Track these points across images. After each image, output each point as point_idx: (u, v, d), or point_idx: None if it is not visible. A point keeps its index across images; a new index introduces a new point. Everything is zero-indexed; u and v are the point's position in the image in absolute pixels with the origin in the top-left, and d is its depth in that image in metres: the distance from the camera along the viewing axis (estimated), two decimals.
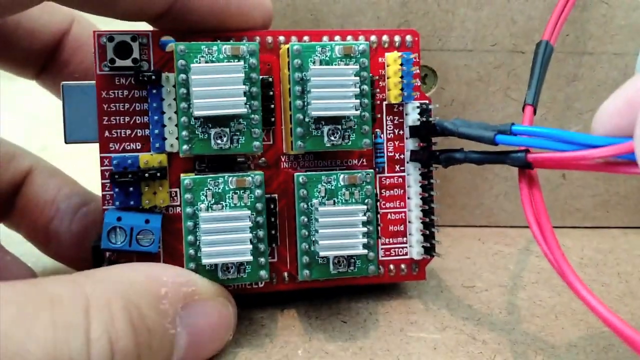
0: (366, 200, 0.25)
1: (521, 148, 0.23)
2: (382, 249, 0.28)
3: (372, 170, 0.25)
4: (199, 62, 0.24)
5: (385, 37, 0.28)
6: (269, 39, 0.27)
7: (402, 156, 0.28)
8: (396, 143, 0.28)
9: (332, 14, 0.32)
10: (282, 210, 0.27)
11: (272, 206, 0.26)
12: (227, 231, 0.24)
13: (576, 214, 0.36)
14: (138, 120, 0.26)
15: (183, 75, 0.24)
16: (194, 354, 0.22)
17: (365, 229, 0.25)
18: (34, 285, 0.19)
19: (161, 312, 0.21)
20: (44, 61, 0.29)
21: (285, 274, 0.27)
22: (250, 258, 0.24)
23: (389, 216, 0.28)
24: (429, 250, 0.27)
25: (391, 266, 0.28)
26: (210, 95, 0.24)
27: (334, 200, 0.25)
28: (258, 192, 0.24)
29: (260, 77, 0.25)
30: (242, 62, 0.24)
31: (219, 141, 0.24)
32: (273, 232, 0.26)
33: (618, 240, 0.35)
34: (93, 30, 0.25)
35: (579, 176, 0.35)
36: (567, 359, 0.24)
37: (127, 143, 0.26)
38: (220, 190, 0.24)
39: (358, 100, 0.25)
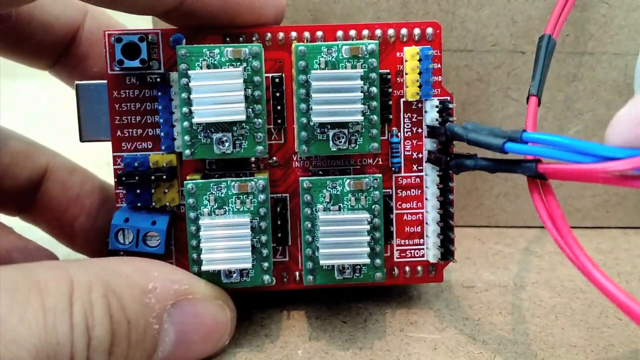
0: (373, 206, 0.25)
1: (532, 157, 0.21)
2: (397, 250, 0.27)
3: (380, 175, 0.25)
4: (200, 67, 0.24)
5: (404, 31, 0.26)
6: (280, 34, 0.26)
7: (420, 155, 0.27)
8: (414, 142, 0.27)
9: (332, 14, 0.32)
10: (294, 209, 0.26)
11: (279, 207, 0.26)
12: (227, 238, 0.24)
13: (576, 214, 0.36)
14: (149, 119, 0.26)
15: (185, 80, 0.24)
16: (182, 352, 0.22)
17: (369, 238, 0.24)
18: (21, 271, 0.19)
19: (145, 305, 0.21)
20: (58, 53, 0.29)
21: (297, 273, 0.27)
22: (249, 266, 0.24)
23: (405, 217, 0.27)
24: (446, 255, 0.26)
25: (407, 268, 0.27)
26: (210, 102, 0.23)
27: (340, 206, 0.25)
28: (261, 197, 0.24)
29: (271, 75, 0.25)
30: (242, 67, 0.24)
31: (221, 146, 0.24)
32: (282, 234, 0.26)
33: (618, 241, 0.35)
34: (104, 30, 0.25)
35: None
36: (567, 359, 0.24)
37: (139, 142, 0.26)
38: (223, 195, 0.24)
39: (364, 105, 0.24)
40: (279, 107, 0.26)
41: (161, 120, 0.25)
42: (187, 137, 0.24)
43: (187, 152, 0.24)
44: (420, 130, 0.27)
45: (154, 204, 0.25)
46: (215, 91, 0.23)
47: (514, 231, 0.36)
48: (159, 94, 0.25)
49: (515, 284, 0.30)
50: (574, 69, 0.33)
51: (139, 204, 0.25)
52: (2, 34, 0.28)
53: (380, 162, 0.27)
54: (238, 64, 0.24)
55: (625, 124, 0.18)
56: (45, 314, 0.18)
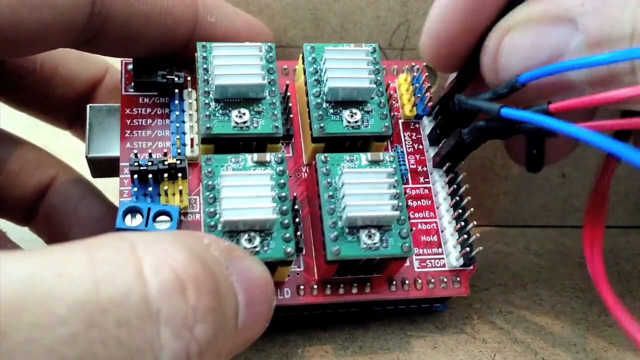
0: (392, 177, 0.24)
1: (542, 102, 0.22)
2: (416, 259, 0.26)
3: (395, 153, 0.25)
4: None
5: (394, 66, 0.30)
6: (285, 65, 0.29)
7: (424, 169, 0.28)
8: (417, 157, 0.28)
9: (332, 12, 0.32)
10: (305, 219, 0.26)
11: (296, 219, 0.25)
12: (248, 187, 0.23)
13: (576, 214, 0.36)
14: (160, 133, 0.26)
15: (205, 65, 0.25)
16: (252, 315, 0.20)
17: (394, 191, 0.24)
18: (63, 243, 0.17)
19: (215, 258, 0.19)
20: (77, 109, 0.30)
21: (314, 284, 0.25)
22: (273, 217, 0.22)
23: (419, 226, 0.27)
24: (466, 247, 0.26)
25: (430, 277, 0.26)
26: (231, 69, 0.24)
27: None
28: (280, 168, 0.24)
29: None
30: (261, 53, 0.25)
31: (237, 120, 0.24)
32: (296, 240, 0.24)
33: (618, 240, 0.35)
34: (121, 60, 0.27)
35: (578, 176, 0.35)
36: (567, 358, 0.24)
37: (148, 153, 0.26)
38: (240, 167, 0.24)
39: (373, 76, 0.25)
40: (288, 120, 0.27)
41: (173, 129, 0.26)
42: (205, 113, 0.24)
43: (206, 125, 0.24)
44: (421, 147, 0.28)
45: (165, 201, 0.24)
46: (236, 61, 0.25)
47: (514, 230, 0.36)
48: (176, 102, 0.26)
49: (515, 283, 0.30)
50: None
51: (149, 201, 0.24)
52: (27, 87, 0.28)
53: None
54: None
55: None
56: (95, 267, 0.16)
